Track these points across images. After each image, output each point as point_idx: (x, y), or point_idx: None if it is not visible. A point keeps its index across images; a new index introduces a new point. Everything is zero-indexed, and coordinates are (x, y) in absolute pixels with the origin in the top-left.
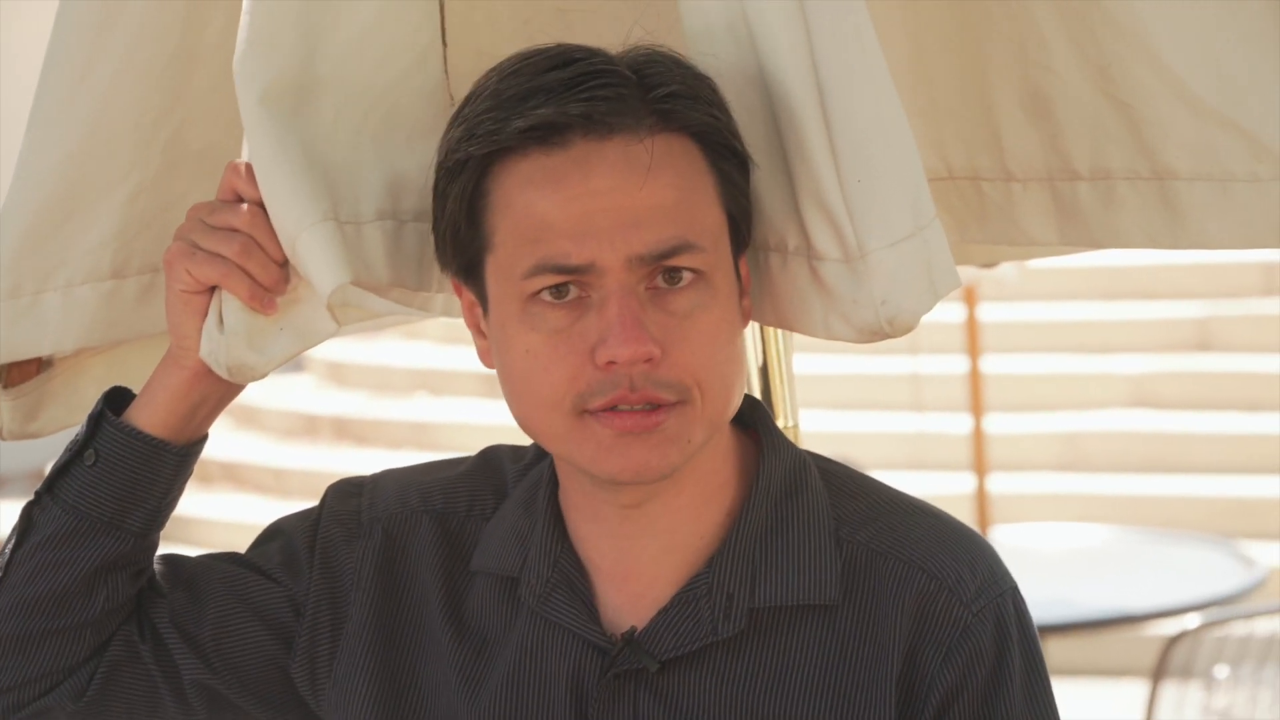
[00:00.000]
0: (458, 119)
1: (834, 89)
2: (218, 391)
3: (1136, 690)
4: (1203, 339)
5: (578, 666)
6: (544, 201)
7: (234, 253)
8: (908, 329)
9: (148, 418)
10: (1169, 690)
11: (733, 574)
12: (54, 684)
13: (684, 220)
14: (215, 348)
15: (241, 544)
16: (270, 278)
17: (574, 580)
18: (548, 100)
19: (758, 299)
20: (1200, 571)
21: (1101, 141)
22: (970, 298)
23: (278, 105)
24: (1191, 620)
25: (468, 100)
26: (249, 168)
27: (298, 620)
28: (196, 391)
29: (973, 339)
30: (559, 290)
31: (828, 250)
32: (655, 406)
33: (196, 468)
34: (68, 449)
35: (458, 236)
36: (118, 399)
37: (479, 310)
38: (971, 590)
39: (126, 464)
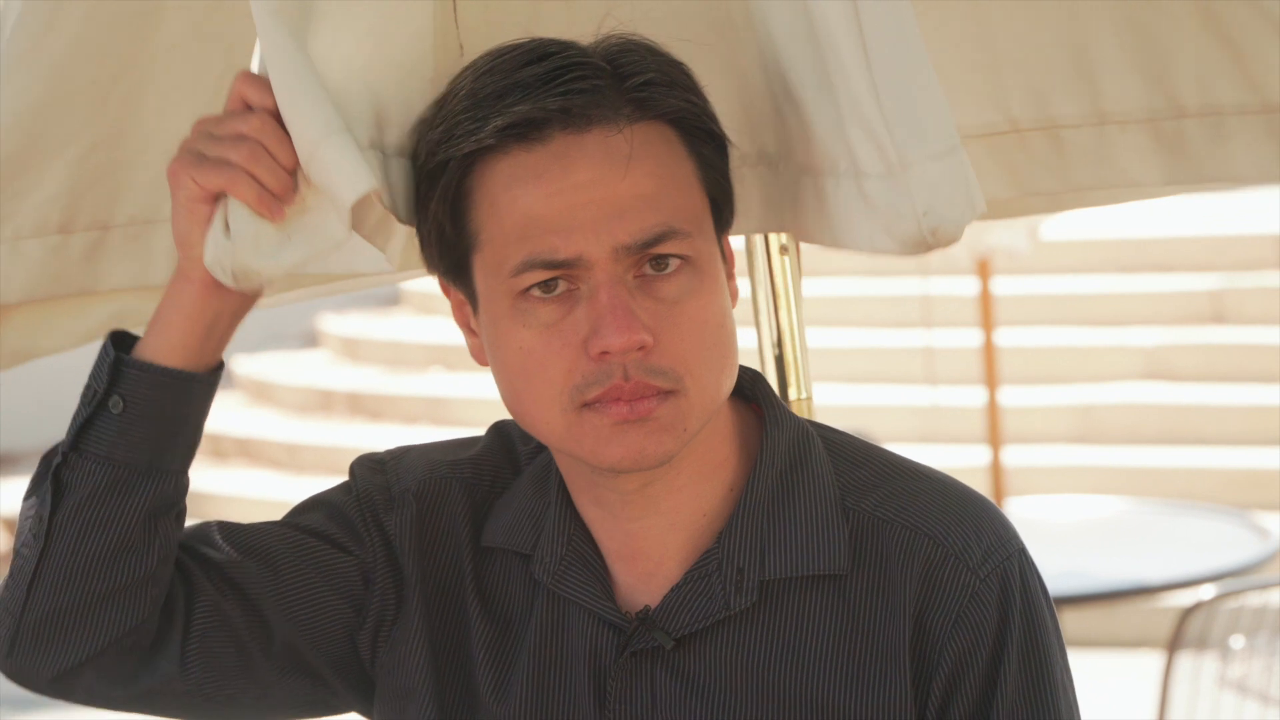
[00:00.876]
0: (435, 120)
1: (870, 20)
2: (230, 306)
3: (1152, 661)
4: (1217, 311)
5: (595, 645)
6: (527, 198)
7: (242, 158)
8: (950, 240)
9: (166, 350)
10: (1184, 661)
11: (742, 547)
12: (124, 651)
13: (667, 207)
14: (220, 253)
15: (256, 519)
16: (279, 184)
17: (588, 558)
18: (525, 96)
19: (816, 221)
20: (1215, 543)
21: (1209, 77)
22: (984, 271)
23: (290, 19)
24: (1207, 591)
25: (445, 101)
26: (258, 77)
27: (367, 590)
28: (210, 308)
29: (986, 312)
30: (548, 285)
31: (872, 165)
32: (648, 394)
33: (210, 443)
34: (84, 401)
35: (443, 237)
36: (119, 343)
37: (468, 309)
38: (978, 556)
39: (157, 404)
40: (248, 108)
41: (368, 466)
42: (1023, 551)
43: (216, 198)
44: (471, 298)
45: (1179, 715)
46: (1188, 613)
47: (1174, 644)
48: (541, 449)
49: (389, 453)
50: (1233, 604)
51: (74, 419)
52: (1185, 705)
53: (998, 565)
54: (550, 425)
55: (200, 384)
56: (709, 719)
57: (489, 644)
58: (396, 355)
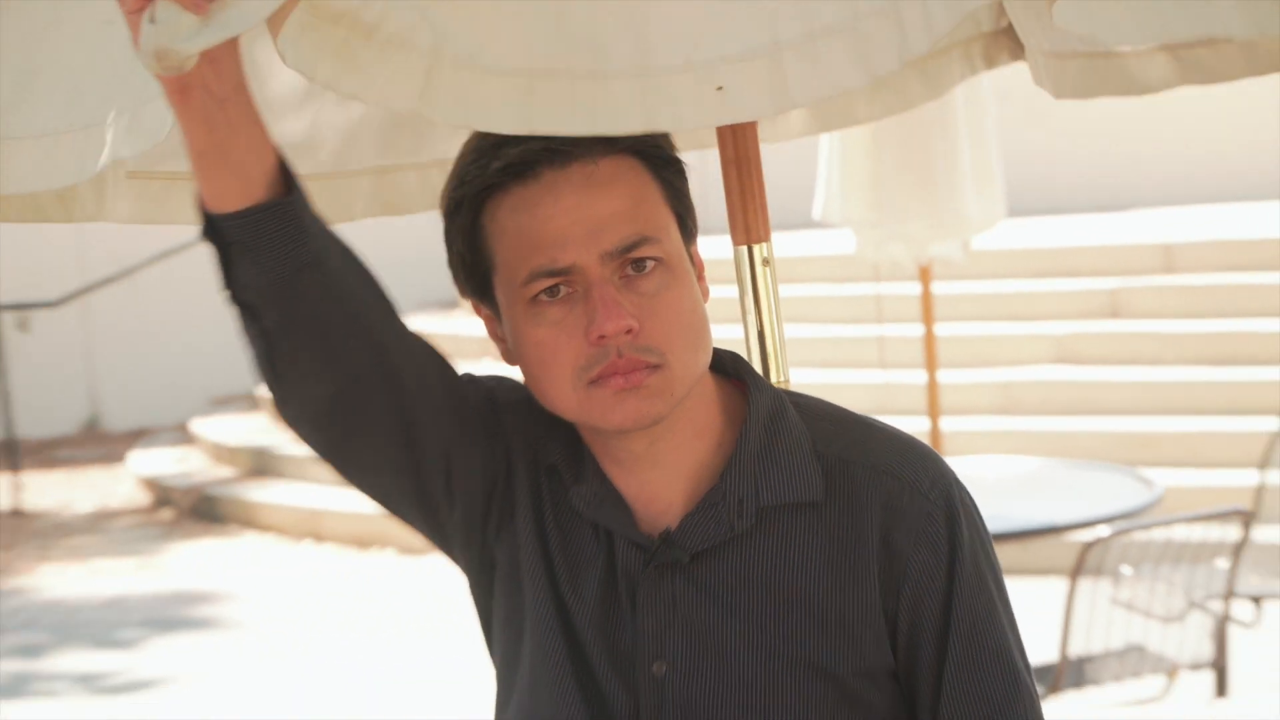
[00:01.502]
0: (451, 174)
1: None
2: (217, 96)
3: (1059, 586)
4: (1114, 308)
5: (627, 563)
6: (529, 223)
7: None
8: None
9: (222, 192)
10: (1084, 585)
11: (740, 483)
12: (389, 434)
13: (639, 220)
14: (145, 40)
15: (295, 524)
16: None
17: (616, 497)
18: (517, 143)
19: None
20: (1110, 492)
21: None
22: (925, 276)
23: None
24: (1103, 530)
25: (457, 158)
26: None
27: (509, 470)
28: (198, 108)
29: (927, 309)
30: (552, 291)
31: None
32: (639, 368)
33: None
34: (218, 263)
35: (465, 264)
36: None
37: (495, 322)
38: (927, 484)
39: (265, 236)
40: None
41: (480, 378)
42: (958, 480)
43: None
44: (496, 311)
45: (1079, 628)
46: (1087, 547)
47: (1076, 572)
48: None
49: (489, 376)
50: (1123, 540)
51: (217, 268)
52: (1084, 620)
53: (943, 491)
54: (567, 401)
55: (290, 207)
56: (718, 617)
57: (560, 547)
58: (456, 348)
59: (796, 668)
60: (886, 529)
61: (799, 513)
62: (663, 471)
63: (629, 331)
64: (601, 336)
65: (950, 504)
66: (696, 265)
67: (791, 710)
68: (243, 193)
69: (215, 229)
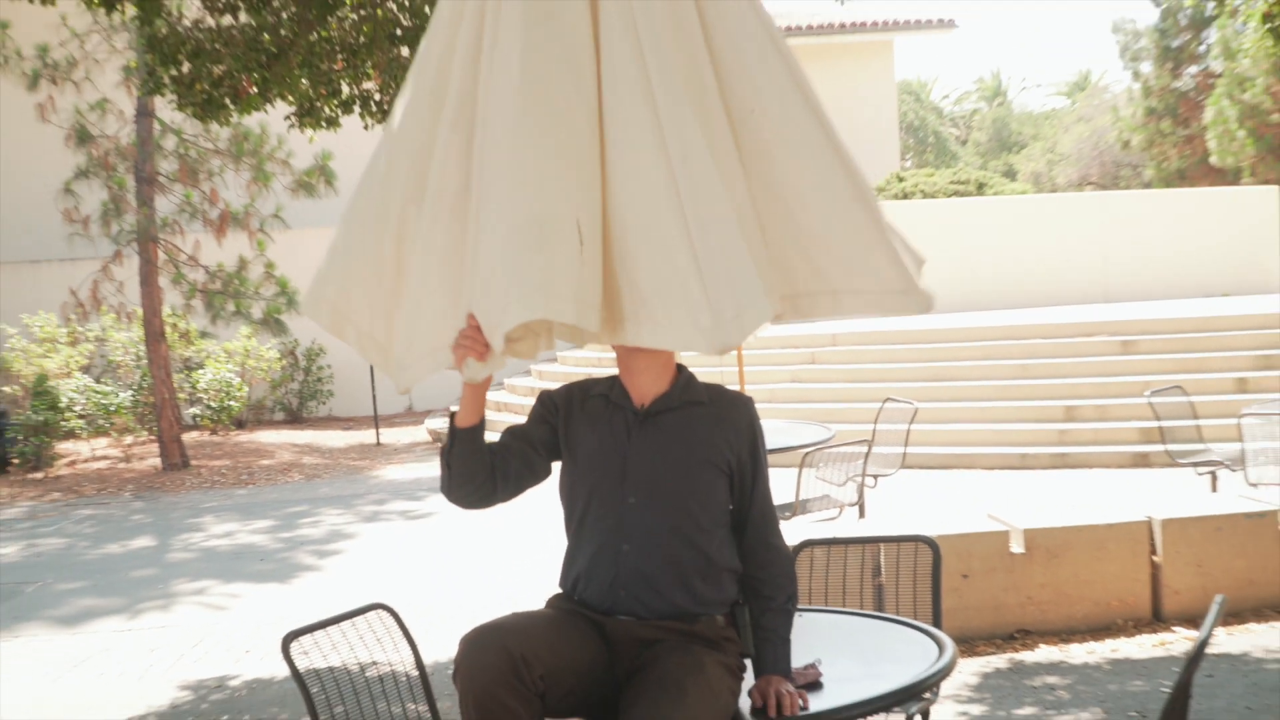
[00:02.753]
0: None
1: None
2: (482, 390)
3: (793, 471)
4: (813, 359)
5: (627, 420)
6: None
7: (466, 345)
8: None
9: (463, 417)
10: (806, 471)
11: (676, 391)
12: (498, 489)
13: None
14: (463, 372)
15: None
16: (481, 349)
17: (627, 393)
18: None
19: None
20: (813, 433)
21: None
22: (739, 348)
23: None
24: (812, 448)
25: None
26: (472, 317)
27: (562, 427)
28: (471, 395)
29: (740, 359)
30: None
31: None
32: None
33: None
34: (447, 439)
35: None
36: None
37: None
38: (750, 406)
39: (467, 441)
40: (469, 325)
41: (547, 392)
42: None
43: (463, 358)
44: None
45: (804, 488)
46: (805, 455)
47: (801, 465)
48: (613, 379)
49: (556, 389)
50: (820, 451)
51: (445, 442)
52: (806, 485)
53: (754, 410)
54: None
55: (478, 430)
56: (667, 441)
57: (589, 421)
58: (561, 378)
59: (697, 464)
60: (735, 419)
61: (698, 406)
62: (647, 383)
63: None
64: None
65: (757, 415)
66: None
67: (696, 480)
68: (470, 420)
69: (453, 431)
